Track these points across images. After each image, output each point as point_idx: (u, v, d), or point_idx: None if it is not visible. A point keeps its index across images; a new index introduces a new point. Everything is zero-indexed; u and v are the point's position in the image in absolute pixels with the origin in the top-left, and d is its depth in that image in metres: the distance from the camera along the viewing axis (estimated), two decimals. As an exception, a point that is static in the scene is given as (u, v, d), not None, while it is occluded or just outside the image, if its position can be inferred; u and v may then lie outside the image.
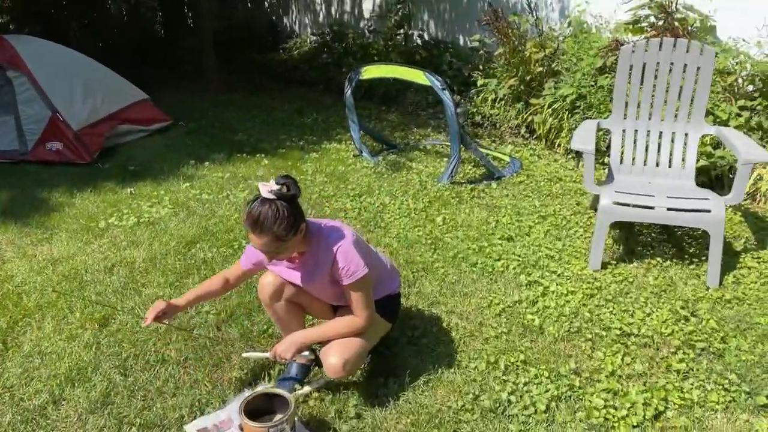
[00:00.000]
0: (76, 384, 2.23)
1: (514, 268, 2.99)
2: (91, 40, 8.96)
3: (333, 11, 8.94)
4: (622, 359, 2.30)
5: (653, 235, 3.34)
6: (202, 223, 3.63)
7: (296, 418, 1.96)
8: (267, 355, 2.07)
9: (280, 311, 2.15)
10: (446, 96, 3.99)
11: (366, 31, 7.78)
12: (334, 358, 1.99)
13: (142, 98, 5.69)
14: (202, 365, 2.32)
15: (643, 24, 4.45)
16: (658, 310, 2.62)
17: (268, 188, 1.85)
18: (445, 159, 4.50)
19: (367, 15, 8.13)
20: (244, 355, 2.22)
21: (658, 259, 3.04)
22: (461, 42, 6.71)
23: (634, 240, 3.27)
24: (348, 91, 4.60)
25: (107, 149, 5.05)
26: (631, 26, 4.50)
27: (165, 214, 3.79)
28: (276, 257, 1.94)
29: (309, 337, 2.05)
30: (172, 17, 9.67)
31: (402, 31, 7.04)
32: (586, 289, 2.79)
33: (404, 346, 2.40)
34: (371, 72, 4.47)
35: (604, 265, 2.97)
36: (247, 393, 2.04)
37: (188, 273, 3.03)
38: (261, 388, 2.15)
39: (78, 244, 3.40)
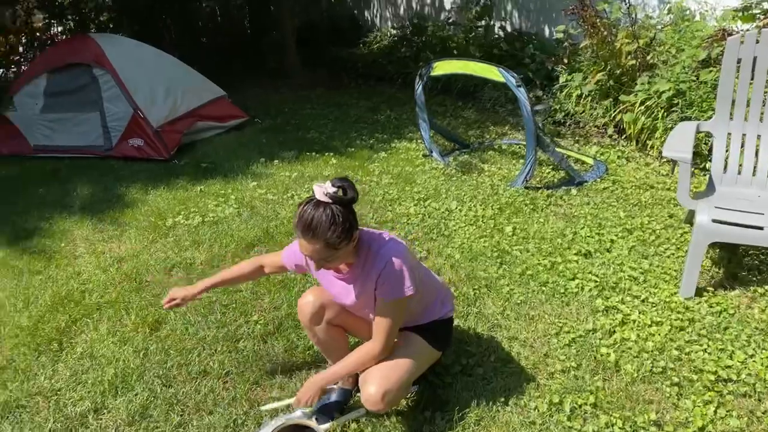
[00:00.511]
0: (119, 392, 2.21)
1: (590, 290, 2.67)
2: (186, 39, 9.32)
3: (414, 3, 8.71)
4: (715, 411, 1.95)
5: (761, 257, 2.87)
6: (263, 224, 3.58)
7: (329, 453, 1.80)
8: (291, 401, 1.92)
9: (321, 334, 2.00)
10: (522, 93, 3.67)
11: (446, 24, 7.50)
12: (373, 388, 1.80)
13: (219, 95, 5.78)
14: (242, 381, 2.23)
15: (755, 11, 3.90)
16: (763, 351, 2.21)
17: (323, 190, 1.68)
18: (521, 161, 4.18)
19: (448, 6, 7.84)
20: (263, 408, 2.05)
21: (767, 287, 2.59)
22: (546, 33, 6.28)
23: (738, 262, 2.82)
24: (419, 88, 4.38)
25: (184, 146, 5.16)
26: (740, 13, 3.98)
27: (229, 213, 3.78)
28: (325, 266, 1.78)
29: (329, 378, 1.88)
30: (258, 14, 9.88)
31: (483, 22, 6.71)
32: (675, 320, 2.41)
33: (456, 375, 2.18)
34: (442, 68, 4.22)
35: (698, 292, 2.57)
36: (282, 419, 1.92)
37: (242, 278, 2.96)
38: (298, 413, 2.01)
39: (144, 242, 3.45)
